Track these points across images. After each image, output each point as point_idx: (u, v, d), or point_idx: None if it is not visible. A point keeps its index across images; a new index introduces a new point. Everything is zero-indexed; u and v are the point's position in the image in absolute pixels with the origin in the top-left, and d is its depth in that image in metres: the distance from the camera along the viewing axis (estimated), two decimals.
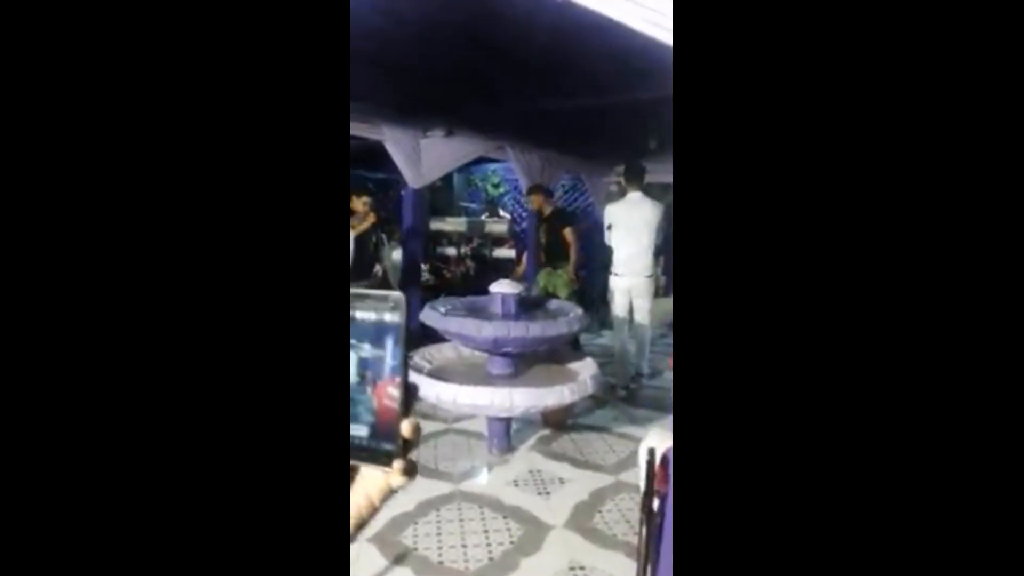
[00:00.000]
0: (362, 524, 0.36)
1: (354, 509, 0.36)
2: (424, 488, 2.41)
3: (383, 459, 0.35)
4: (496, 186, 7.30)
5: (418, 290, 4.22)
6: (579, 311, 2.80)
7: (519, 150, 4.77)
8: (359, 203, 4.22)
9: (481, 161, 5.73)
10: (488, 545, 2.03)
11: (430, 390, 2.42)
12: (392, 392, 0.34)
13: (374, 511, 0.36)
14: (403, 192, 4.37)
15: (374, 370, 0.34)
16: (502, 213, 7.08)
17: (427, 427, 3.06)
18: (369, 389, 0.34)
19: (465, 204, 7.38)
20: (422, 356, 2.84)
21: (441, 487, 2.43)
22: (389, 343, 0.34)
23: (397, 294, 0.35)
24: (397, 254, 4.56)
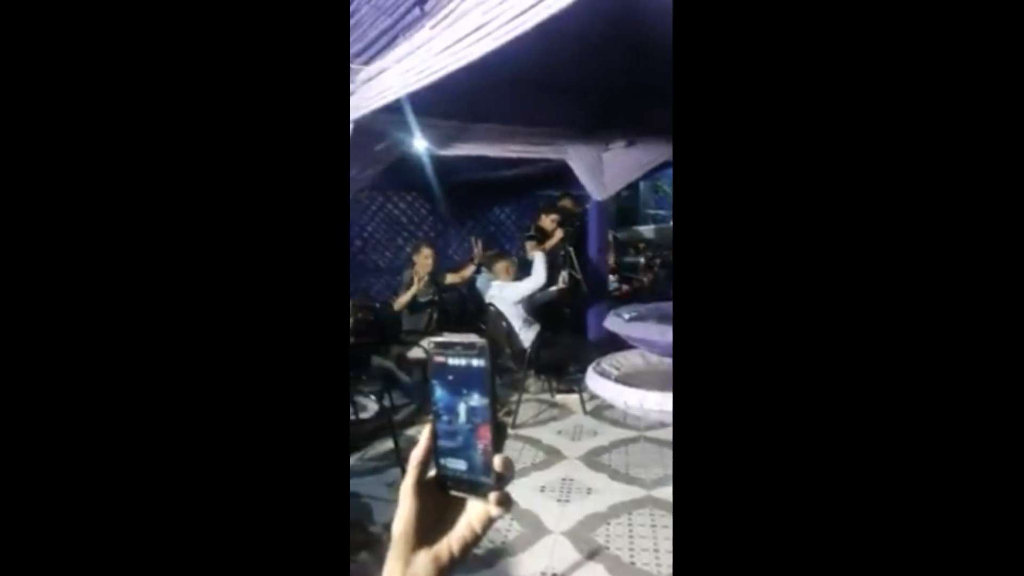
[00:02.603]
0: (467, 549, 0.39)
1: (458, 538, 0.38)
2: (616, 492, 2.46)
3: (481, 491, 0.38)
4: None
5: (605, 299, 4.30)
6: None
7: None
8: (548, 221, 4.49)
9: (667, 166, 5.60)
10: None
11: (618, 396, 2.48)
12: (486, 433, 0.37)
13: (477, 538, 0.39)
14: (588, 206, 4.51)
15: (476, 415, 0.38)
16: None
17: (618, 434, 3.10)
18: (473, 431, 0.38)
19: (652, 211, 7.25)
20: (609, 363, 2.91)
21: (633, 492, 2.45)
22: (480, 387, 0.37)
23: (481, 341, 0.37)
24: None
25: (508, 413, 3.36)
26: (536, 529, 2.20)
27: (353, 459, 2.65)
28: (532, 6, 1.31)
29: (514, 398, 3.40)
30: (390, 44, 1.83)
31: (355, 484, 2.55)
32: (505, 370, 3.52)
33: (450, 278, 4.26)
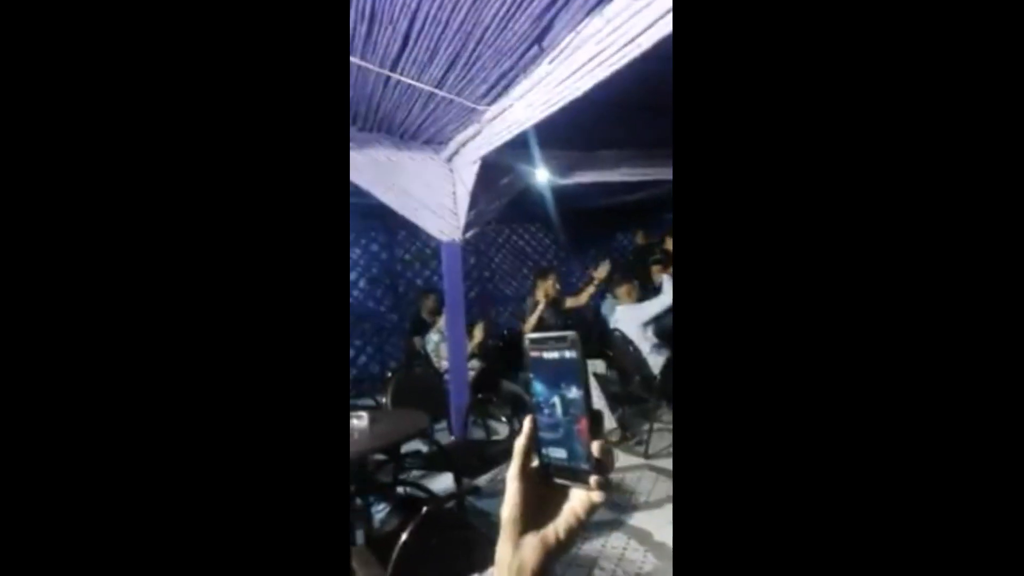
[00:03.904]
0: (572, 534, 0.39)
1: (563, 523, 0.39)
2: None
3: (582, 478, 0.38)
4: None
5: None
6: None
7: None
8: (669, 244, 4.36)
9: None
10: None
11: None
12: (584, 422, 0.38)
13: (581, 523, 0.39)
14: None
15: (574, 406, 0.39)
16: None
17: None
18: (572, 422, 0.39)
19: None
20: None
21: None
22: (574, 379, 0.38)
23: (572, 333, 0.38)
24: None
25: (640, 443, 3.26)
26: (672, 563, 2.09)
27: (484, 479, 2.74)
28: (643, 31, 1.33)
29: (645, 427, 3.29)
30: (512, 83, 1.96)
31: (486, 504, 2.63)
32: (635, 399, 3.43)
33: (570, 302, 4.29)
